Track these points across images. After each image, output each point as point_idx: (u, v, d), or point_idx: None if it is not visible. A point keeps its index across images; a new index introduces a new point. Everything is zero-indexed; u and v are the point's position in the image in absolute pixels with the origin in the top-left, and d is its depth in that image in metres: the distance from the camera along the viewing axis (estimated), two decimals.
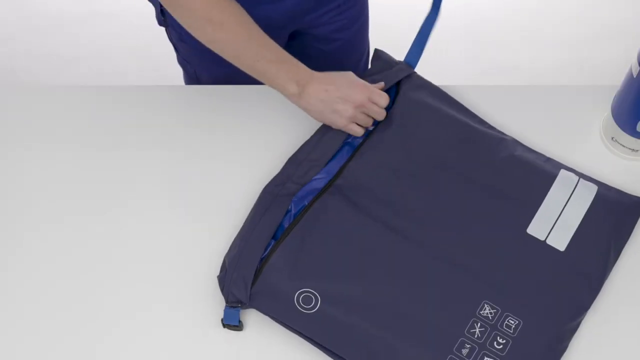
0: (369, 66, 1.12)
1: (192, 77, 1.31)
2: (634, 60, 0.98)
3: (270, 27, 1.15)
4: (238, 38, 0.97)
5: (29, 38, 2.21)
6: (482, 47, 2.21)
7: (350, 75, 1.01)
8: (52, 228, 1.00)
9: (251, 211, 0.96)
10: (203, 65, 1.25)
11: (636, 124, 1.01)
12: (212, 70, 1.24)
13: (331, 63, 1.30)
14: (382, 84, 1.04)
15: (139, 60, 2.16)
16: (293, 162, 1.00)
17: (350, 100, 0.98)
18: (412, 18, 1.17)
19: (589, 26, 2.24)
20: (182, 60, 1.30)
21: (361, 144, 1.01)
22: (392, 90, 1.06)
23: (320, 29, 1.24)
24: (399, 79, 1.06)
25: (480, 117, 1.08)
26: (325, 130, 1.02)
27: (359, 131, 1.01)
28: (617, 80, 1.09)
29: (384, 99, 1.01)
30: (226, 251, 0.96)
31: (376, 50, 1.11)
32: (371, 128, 1.03)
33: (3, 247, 0.99)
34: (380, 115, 1.01)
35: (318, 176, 0.99)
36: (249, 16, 0.98)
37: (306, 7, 1.17)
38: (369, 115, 1.01)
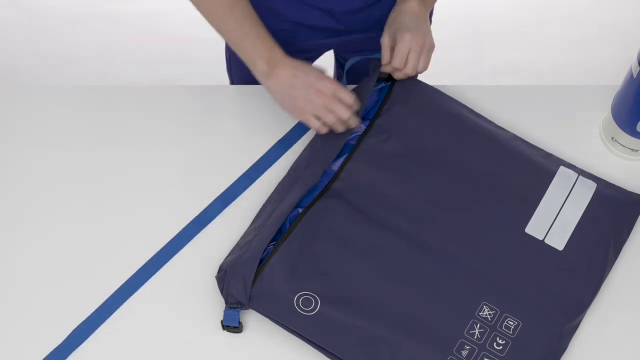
0: None
1: (228, 62, 1.31)
2: (634, 60, 0.98)
3: (304, 31, 1.14)
4: (220, 4, 0.98)
5: (29, 38, 2.21)
6: (482, 47, 2.20)
7: (317, 78, 0.98)
8: (51, 228, 1.00)
9: (256, 215, 0.97)
10: (235, 55, 1.25)
11: (636, 124, 1.01)
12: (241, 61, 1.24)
13: None
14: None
15: (138, 61, 2.16)
16: (296, 170, 1.00)
17: (314, 89, 0.97)
18: None
19: (589, 26, 2.24)
20: (226, 44, 1.30)
21: (358, 145, 1.01)
22: (385, 89, 1.06)
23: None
24: (375, 77, 1.04)
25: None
26: (323, 136, 1.02)
27: (316, 125, 0.99)
28: (617, 80, 1.09)
29: (349, 97, 0.98)
30: (226, 252, 0.96)
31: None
32: (361, 132, 1.02)
33: (2, 247, 0.99)
34: (345, 113, 0.98)
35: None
36: None
37: (343, 29, 1.16)
38: (334, 113, 0.98)
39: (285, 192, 0.97)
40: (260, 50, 0.98)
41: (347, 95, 0.98)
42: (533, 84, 1.70)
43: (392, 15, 1.05)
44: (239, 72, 1.29)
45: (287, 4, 1.10)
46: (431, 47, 1.03)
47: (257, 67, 0.99)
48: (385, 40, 1.03)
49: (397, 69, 1.03)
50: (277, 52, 0.98)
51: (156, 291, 0.95)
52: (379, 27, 1.08)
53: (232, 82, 1.34)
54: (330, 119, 0.98)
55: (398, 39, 1.01)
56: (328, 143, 1.00)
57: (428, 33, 1.03)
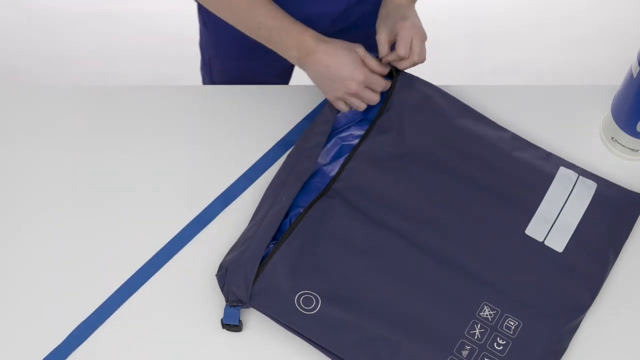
0: None
1: (207, 63, 1.31)
2: (634, 60, 0.98)
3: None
4: (239, 6, 0.98)
5: (29, 38, 2.21)
6: (483, 47, 2.20)
7: (357, 52, 0.99)
8: (51, 228, 1.00)
9: (255, 212, 0.97)
10: (217, 55, 1.25)
11: (636, 124, 1.01)
12: (224, 62, 1.24)
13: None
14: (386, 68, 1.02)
15: (138, 61, 2.16)
16: (289, 162, 1.00)
17: (345, 85, 0.98)
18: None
19: (589, 26, 2.24)
20: (202, 44, 1.30)
21: (359, 145, 1.01)
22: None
23: None
24: None
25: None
26: (312, 124, 1.02)
27: (343, 108, 1.01)
28: (617, 80, 1.09)
29: (380, 86, 1.00)
30: (225, 251, 0.96)
31: None
32: (362, 132, 1.02)
33: (2, 247, 0.99)
34: (373, 101, 1.01)
35: (315, 179, 0.99)
36: None
37: (323, 32, 1.15)
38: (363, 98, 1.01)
39: (281, 186, 0.97)
40: (289, 42, 0.98)
41: (378, 83, 1.00)
42: (533, 84, 1.70)
43: (383, 11, 1.04)
44: (220, 77, 1.29)
45: None
46: (426, 37, 1.03)
47: (289, 56, 1.00)
48: (382, 36, 1.02)
49: (403, 57, 1.01)
50: (307, 39, 0.98)
51: (156, 291, 0.95)
52: (362, 24, 1.08)
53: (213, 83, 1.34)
54: (358, 105, 1.01)
55: (399, 28, 1.00)
56: (316, 131, 1.01)
57: (421, 23, 1.04)
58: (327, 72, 0.98)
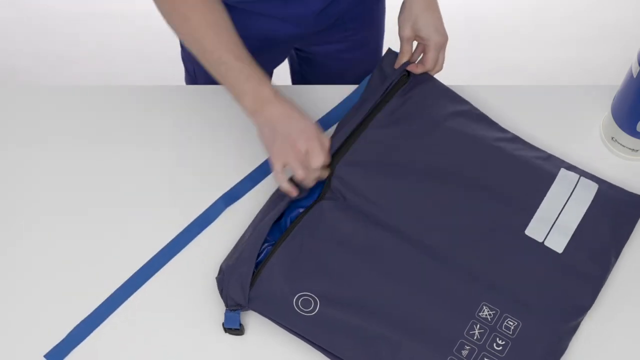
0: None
1: (191, 75, 1.31)
2: (634, 60, 0.98)
3: (269, 43, 1.14)
4: (203, 36, 0.92)
5: (29, 38, 2.21)
6: (483, 47, 2.20)
7: (299, 131, 0.92)
8: (52, 227, 1.00)
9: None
10: (201, 67, 1.25)
11: (636, 124, 1.01)
12: (209, 74, 1.24)
13: (335, 71, 1.30)
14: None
15: (138, 61, 2.16)
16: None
17: (291, 142, 0.91)
18: None
19: (589, 26, 2.24)
20: (184, 57, 1.30)
21: (353, 141, 1.00)
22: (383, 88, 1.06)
23: (324, 47, 1.24)
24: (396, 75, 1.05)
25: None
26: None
27: (279, 179, 0.93)
28: (617, 80, 1.09)
29: (318, 161, 0.91)
30: (227, 252, 0.96)
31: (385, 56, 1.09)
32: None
33: (2, 247, 0.99)
34: (307, 180, 0.93)
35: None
36: (222, 16, 0.93)
37: (306, 33, 1.15)
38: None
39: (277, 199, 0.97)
40: (247, 86, 0.92)
41: (317, 158, 0.92)
42: (533, 84, 1.70)
43: (407, 5, 1.03)
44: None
45: (238, 18, 1.02)
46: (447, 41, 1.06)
47: (242, 103, 0.93)
48: (407, 33, 1.03)
49: (429, 70, 1.05)
50: (265, 89, 0.92)
51: (157, 291, 0.95)
52: (342, 23, 1.09)
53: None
54: (297, 175, 0.93)
55: (428, 40, 1.02)
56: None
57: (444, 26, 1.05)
58: (277, 126, 0.91)
